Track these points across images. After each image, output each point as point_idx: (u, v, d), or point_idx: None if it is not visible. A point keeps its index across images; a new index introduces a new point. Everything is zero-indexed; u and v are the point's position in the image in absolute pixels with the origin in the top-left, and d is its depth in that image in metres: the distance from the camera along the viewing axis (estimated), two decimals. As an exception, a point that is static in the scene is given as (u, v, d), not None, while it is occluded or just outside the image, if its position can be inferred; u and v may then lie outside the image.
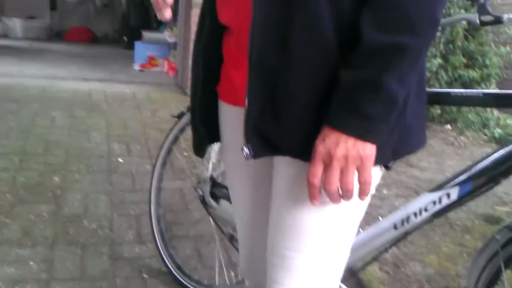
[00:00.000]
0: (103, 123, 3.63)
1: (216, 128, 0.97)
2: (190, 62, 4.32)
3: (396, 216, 1.15)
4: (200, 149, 0.99)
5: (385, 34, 0.65)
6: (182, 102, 4.37)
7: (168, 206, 2.38)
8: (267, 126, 0.75)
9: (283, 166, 0.80)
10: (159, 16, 0.82)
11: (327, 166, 0.69)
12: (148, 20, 8.00)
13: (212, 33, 0.88)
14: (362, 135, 0.67)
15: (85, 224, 2.17)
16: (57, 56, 6.63)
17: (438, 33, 4.11)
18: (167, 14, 0.80)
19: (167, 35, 6.10)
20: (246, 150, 0.77)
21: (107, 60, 6.59)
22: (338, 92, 0.69)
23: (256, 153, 0.77)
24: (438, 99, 1.21)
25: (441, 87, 4.11)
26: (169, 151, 1.88)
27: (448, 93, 1.17)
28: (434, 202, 1.11)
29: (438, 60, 4.12)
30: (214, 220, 1.70)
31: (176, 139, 1.84)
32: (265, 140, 0.77)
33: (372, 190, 0.76)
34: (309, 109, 0.72)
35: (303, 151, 0.73)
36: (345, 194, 0.70)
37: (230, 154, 0.96)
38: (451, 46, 4.25)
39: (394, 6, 0.65)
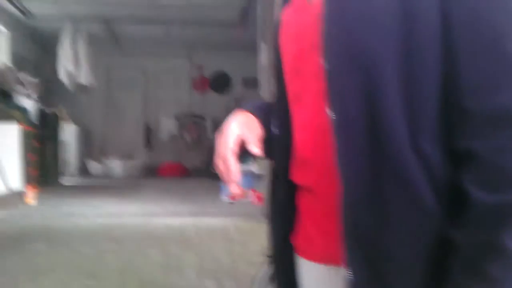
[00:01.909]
0: (195, 258, 3.71)
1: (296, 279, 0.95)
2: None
3: None
4: None
5: (494, 194, 0.65)
6: (271, 233, 4.39)
7: None
8: None
9: None
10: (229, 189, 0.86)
11: None
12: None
13: (288, 191, 0.90)
14: None
15: None
16: (152, 192, 7.08)
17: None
18: (234, 188, 0.84)
19: (253, 167, 6.36)
20: None
21: (197, 193, 6.92)
22: (454, 256, 0.67)
23: None
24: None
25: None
26: (262, 290, 1.86)
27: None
28: None
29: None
30: None
31: (268, 277, 1.83)
32: None
33: None
34: (416, 273, 0.70)
35: None
36: None
37: None
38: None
39: (495, 165, 0.65)
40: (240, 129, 0.87)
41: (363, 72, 0.72)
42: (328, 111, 0.75)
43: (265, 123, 0.93)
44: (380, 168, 0.71)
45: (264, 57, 5.40)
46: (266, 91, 5.26)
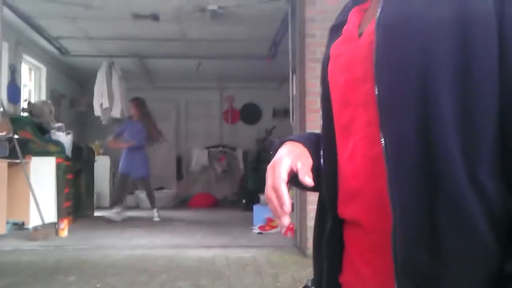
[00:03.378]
0: (226, 292, 3.66)
1: None
2: (307, 223, 4.27)
3: None
4: None
5: None
6: (302, 265, 4.30)
7: None
8: None
9: None
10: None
11: None
12: (264, 184, 8.42)
13: (334, 225, 0.87)
14: None
15: None
16: (182, 224, 7.08)
17: None
18: (286, 221, 0.79)
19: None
20: None
21: (227, 224, 6.88)
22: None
23: None
24: None
25: None
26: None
27: None
28: None
29: None
30: None
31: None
32: None
33: None
34: None
35: None
36: None
37: None
38: None
39: None
40: (291, 159, 0.83)
41: (417, 102, 0.69)
42: (380, 141, 0.72)
43: (314, 154, 0.90)
44: (435, 201, 0.67)
45: (294, 87, 5.42)
46: (297, 121, 5.26)
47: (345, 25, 0.90)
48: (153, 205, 7.57)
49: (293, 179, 0.82)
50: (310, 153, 0.89)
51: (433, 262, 0.67)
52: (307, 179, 0.80)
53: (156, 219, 7.35)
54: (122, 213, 7.21)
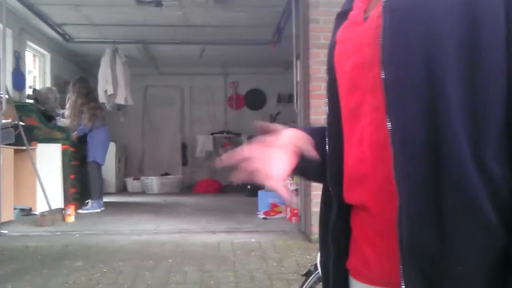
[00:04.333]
0: (231, 276, 3.69)
1: None
2: (312, 208, 4.26)
3: None
4: None
5: None
6: (307, 250, 4.33)
7: None
8: None
9: None
10: (284, 200, 0.83)
11: None
12: (269, 168, 8.43)
13: (340, 211, 0.88)
14: None
15: None
16: (188, 209, 7.12)
17: None
18: (293, 199, 0.81)
19: (288, 183, 6.33)
20: None
21: (232, 210, 6.92)
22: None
23: None
24: None
25: None
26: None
27: None
28: None
29: None
30: None
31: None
32: None
33: None
34: None
35: None
36: None
37: None
38: None
39: None
40: (291, 139, 0.86)
41: (423, 86, 0.70)
42: (387, 125, 0.73)
43: (319, 144, 0.91)
44: (440, 183, 0.68)
45: (298, 73, 5.40)
46: (301, 107, 5.25)
47: (351, 11, 0.90)
48: (92, 195, 6.82)
49: (298, 168, 0.83)
50: (314, 141, 0.90)
51: (438, 244, 0.68)
52: (312, 152, 0.84)
53: (81, 210, 6.57)
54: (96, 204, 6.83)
